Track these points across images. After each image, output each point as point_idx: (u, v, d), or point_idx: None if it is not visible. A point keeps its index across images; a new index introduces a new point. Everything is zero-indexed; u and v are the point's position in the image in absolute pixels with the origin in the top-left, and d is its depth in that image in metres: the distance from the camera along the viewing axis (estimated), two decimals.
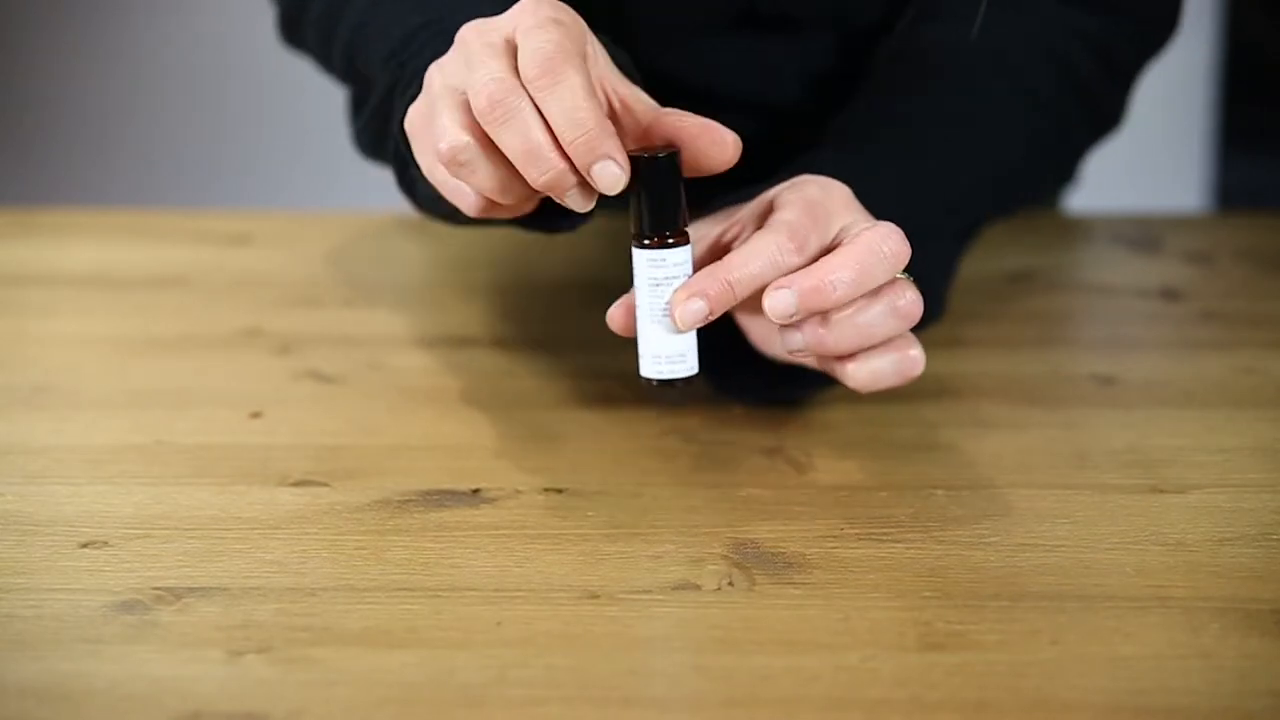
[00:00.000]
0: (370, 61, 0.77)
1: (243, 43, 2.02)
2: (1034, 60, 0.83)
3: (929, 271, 0.75)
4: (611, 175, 0.62)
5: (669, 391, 0.67)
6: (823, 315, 0.66)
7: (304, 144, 2.04)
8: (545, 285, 0.93)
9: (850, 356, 0.67)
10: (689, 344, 0.66)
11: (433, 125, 0.64)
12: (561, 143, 0.61)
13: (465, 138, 0.63)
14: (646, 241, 0.65)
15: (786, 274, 0.65)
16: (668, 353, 0.66)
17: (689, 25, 0.91)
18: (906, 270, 0.69)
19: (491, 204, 0.66)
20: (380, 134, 0.78)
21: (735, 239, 0.69)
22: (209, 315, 0.90)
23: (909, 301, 0.66)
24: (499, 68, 0.62)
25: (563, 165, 0.62)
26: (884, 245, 0.65)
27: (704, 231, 0.70)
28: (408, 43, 0.74)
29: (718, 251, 0.69)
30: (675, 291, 0.65)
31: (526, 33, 0.63)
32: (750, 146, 0.94)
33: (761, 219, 0.69)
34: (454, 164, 0.63)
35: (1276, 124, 2.13)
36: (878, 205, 0.72)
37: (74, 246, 1.01)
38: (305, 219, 1.06)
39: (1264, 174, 2.11)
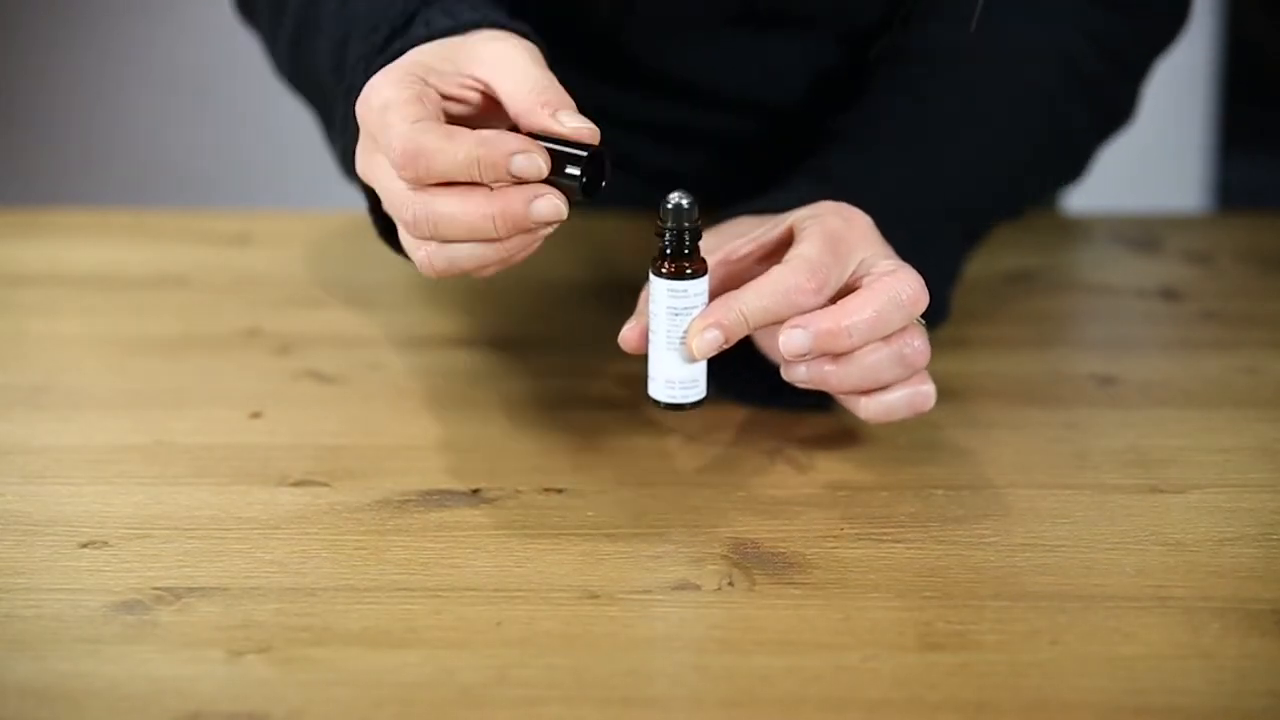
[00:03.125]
0: (318, 55, 0.77)
1: (243, 43, 2.01)
2: (1041, 58, 0.83)
3: (933, 274, 0.75)
4: (533, 166, 0.61)
5: (677, 413, 0.69)
6: (831, 354, 0.66)
7: (304, 144, 2.04)
8: (545, 285, 0.93)
9: (864, 391, 0.68)
10: (701, 370, 0.67)
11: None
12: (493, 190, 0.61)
13: (420, 250, 0.64)
14: (666, 270, 0.65)
15: (802, 312, 0.65)
16: (680, 378, 0.67)
17: (688, 24, 0.91)
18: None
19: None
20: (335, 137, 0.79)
21: (749, 256, 0.70)
22: (209, 315, 0.90)
23: (916, 350, 0.67)
24: (392, 185, 0.63)
25: (504, 210, 0.61)
26: (902, 292, 0.65)
27: (715, 244, 0.70)
28: (342, 57, 0.73)
29: (730, 268, 0.70)
30: (692, 321, 0.65)
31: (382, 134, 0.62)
32: (750, 145, 0.94)
33: (781, 244, 0.69)
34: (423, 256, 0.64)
35: (1276, 124, 2.13)
36: (883, 206, 0.72)
37: (74, 246, 1.01)
38: (305, 219, 1.06)
39: (1264, 174, 2.11)
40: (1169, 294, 0.92)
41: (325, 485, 0.71)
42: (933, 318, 0.75)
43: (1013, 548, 0.65)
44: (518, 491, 0.70)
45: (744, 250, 0.70)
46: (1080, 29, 0.84)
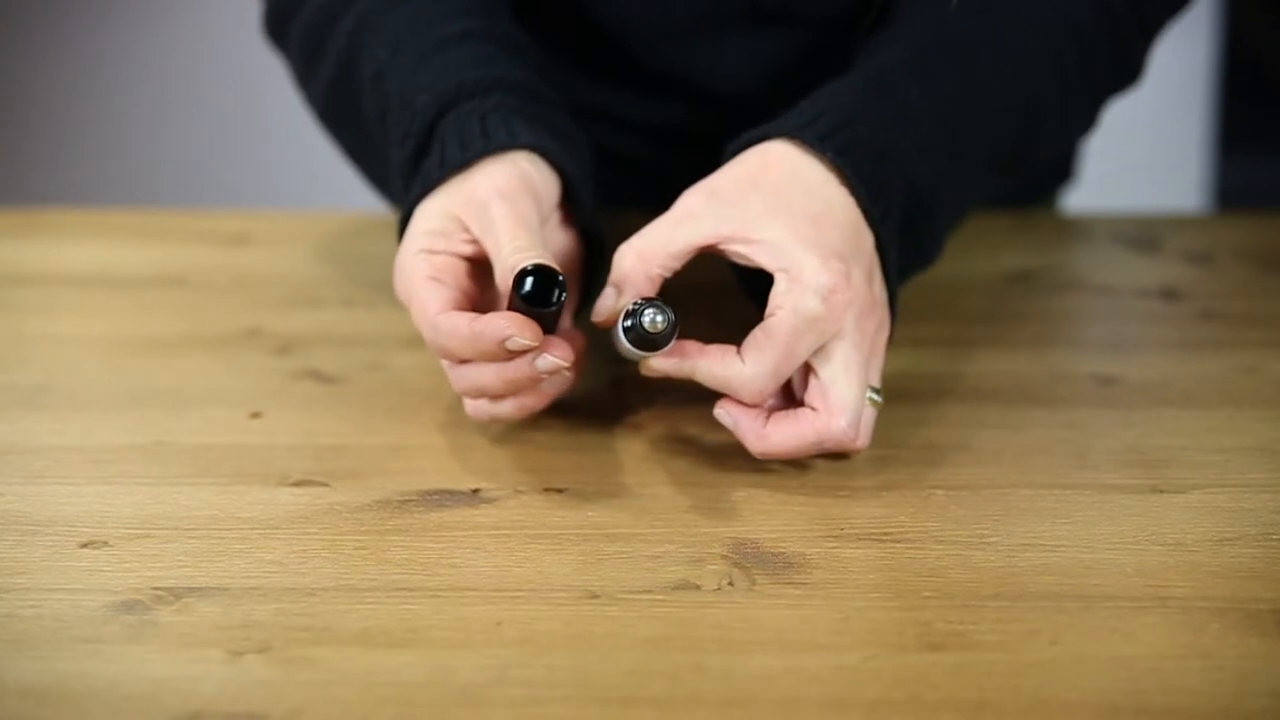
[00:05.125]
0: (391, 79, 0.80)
1: (243, 42, 2.01)
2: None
3: (948, 214, 0.76)
4: (546, 363, 0.68)
5: None
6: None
7: (304, 144, 2.04)
8: None
9: None
10: None
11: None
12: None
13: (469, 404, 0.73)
14: (633, 345, 0.68)
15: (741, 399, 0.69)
16: (637, 357, 0.70)
17: (689, 23, 0.91)
18: (920, 203, 0.73)
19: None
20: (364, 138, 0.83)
21: (728, 256, 0.71)
22: (209, 315, 0.90)
23: (849, 450, 0.70)
24: (432, 347, 0.70)
25: (517, 377, 0.69)
26: (826, 441, 0.69)
27: (705, 224, 0.70)
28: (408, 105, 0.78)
29: (710, 254, 0.71)
30: (649, 358, 0.70)
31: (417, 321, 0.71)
32: None
33: (762, 276, 0.70)
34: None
35: (1276, 124, 2.13)
36: (922, 133, 0.73)
37: (74, 246, 1.01)
38: (305, 219, 1.06)
39: (1264, 174, 2.11)
40: (1169, 294, 0.92)
41: (325, 485, 0.71)
42: (924, 261, 0.76)
43: (1013, 548, 0.65)
44: (518, 491, 0.70)
45: (730, 249, 0.70)
46: None
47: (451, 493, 0.70)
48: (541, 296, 0.67)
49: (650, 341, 0.68)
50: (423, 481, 0.71)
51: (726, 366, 0.69)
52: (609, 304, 0.71)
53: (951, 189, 0.75)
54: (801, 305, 0.68)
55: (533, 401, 0.72)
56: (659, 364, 0.70)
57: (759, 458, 0.70)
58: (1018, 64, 0.79)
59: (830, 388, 0.69)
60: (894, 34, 0.80)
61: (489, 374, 0.70)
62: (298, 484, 0.71)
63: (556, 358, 0.68)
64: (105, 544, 0.66)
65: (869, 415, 0.70)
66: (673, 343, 0.68)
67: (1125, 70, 0.88)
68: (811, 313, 0.68)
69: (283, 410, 0.78)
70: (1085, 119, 0.88)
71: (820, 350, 0.69)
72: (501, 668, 0.58)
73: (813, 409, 0.69)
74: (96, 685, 0.57)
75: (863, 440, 0.70)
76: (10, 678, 0.57)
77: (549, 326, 0.69)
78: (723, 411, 0.70)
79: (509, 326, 0.67)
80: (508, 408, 0.72)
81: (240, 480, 0.71)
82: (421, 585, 0.63)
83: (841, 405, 0.69)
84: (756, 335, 0.68)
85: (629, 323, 0.68)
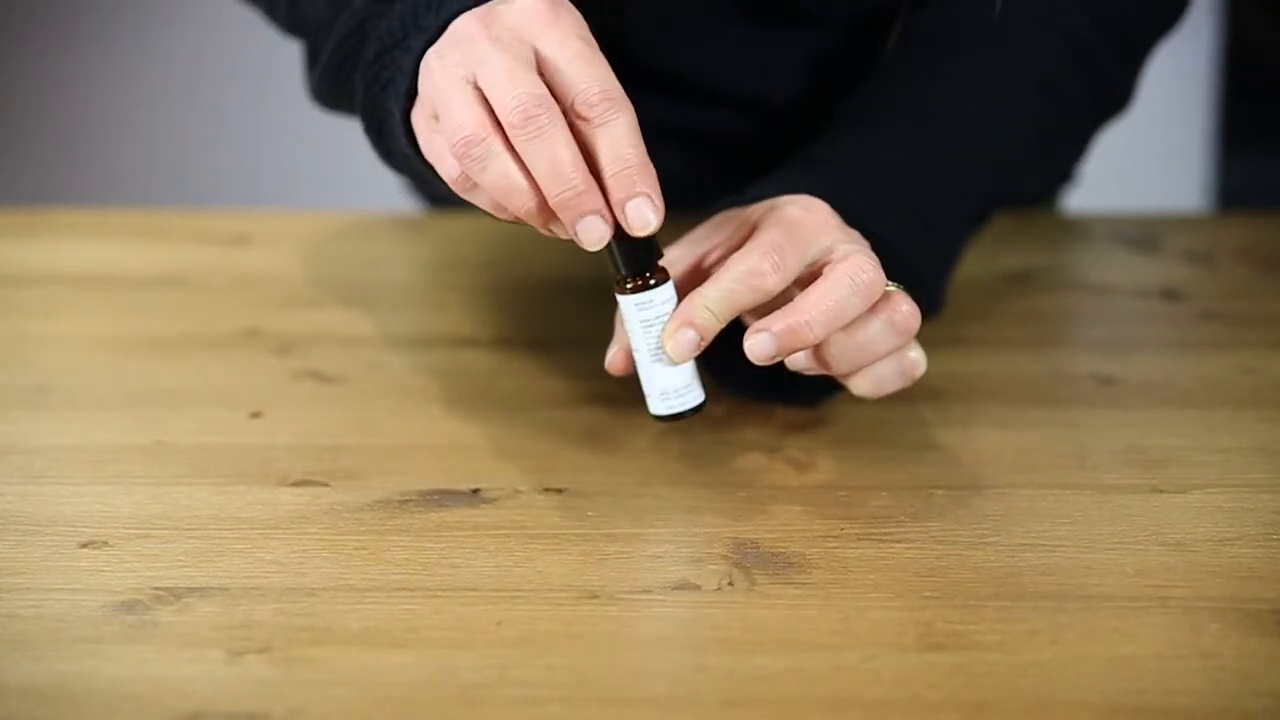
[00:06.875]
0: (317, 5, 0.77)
1: (243, 42, 2.02)
2: (1044, 39, 0.82)
3: (933, 261, 0.75)
4: (643, 216, 0.62)
5: (680, 421, 0.68)
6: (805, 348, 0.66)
7: (304, 144, 2.04)
8: (544, 285, 0.93)
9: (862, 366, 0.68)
10: (691, 373, 0.67)
11: (446, 119, 0.63)
12: (603, 175, 0.62)
13: (482, 132, 0.62)
14: (630, 286, 0.65)
15: (765, 295, 0.65)
16: (674, 387, 0.67)
17: (692, 17, 0.91)
18: (908, 267, 0.69)
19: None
20: (335, 87, 0.77)
21: (720, 261, 0.70)
22: (209, 315, 0.90)
23: (905, 315, 0.67)
24: (530, 81, 0.62)
25: (585, 186, 0.61)
26: (858, 276, 0.65)
27: (684, 253, 0.70)
28: None
29: (699, 276, 0.70)
30: (665, 327, 0.65)
31: (566, 50, 0.63)
32: (750, 145, 0.94)
33: (743, 241, 0.69)
34: (467, 158, 0.63)
35: (1276, 124, 2.13)
36: (879, 191, 0.73)
37: (74, 246, 1.01)
38: (306, 219, 1.06)
39: (1264, 174, 2.11)
40: (1169, 294, 0.92)
41: (325, 485, 0.71)
42: (930, 307, 0.75)
43: (1013, 548, 0.65)
44: (518, 491, 0.70)
45: (714, 256, 0.70)
46: (1086, 9, 0.83)
47: (451, 493, 0.70)
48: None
49: (629, 243, 0.64)
50: (423, 481, 0.71)
51: (734, 261, 0.65)
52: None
53: (930, 255, 0.75)
54: (783, 213, 0.67)
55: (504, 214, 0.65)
56: (686, 315, 0.65)
57: (805, 335, 0.64)
58: (984, 124, 0.80)
59: (845, 254, 0.66)
60: (847, 110, 0.80)
61: (523, 183, 0.62)
62: (298, 484, 0.71)
63: (653, 210, 0.62)
64: (105, 544, 0.66)
65: (903, 294, 0.67)
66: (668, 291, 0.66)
67: (1111, 104, 0.88)
68: (792, 216, 0.67)
69: (283, 410, 0.78)
70: (1070, 158, 0.90)
71: (822, 254, 0.67)
72: (501, 668, 0.58)
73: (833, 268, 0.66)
74: (96, 685, 0.57)
75: (910, 306, 0.66)
76: (10, 678, 0.57)
77: None
78: (754, 335, 0.65)
79: (598, 206, 0.62)
80: (485, 199, 0.65)
81: (240, 480, 0.71)
82: (421, 585, 0.63)
83: (865, 254, 0.66)
84: (754, 235, 0.67)
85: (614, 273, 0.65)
